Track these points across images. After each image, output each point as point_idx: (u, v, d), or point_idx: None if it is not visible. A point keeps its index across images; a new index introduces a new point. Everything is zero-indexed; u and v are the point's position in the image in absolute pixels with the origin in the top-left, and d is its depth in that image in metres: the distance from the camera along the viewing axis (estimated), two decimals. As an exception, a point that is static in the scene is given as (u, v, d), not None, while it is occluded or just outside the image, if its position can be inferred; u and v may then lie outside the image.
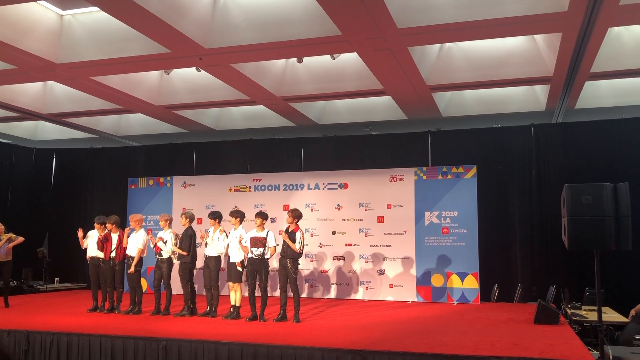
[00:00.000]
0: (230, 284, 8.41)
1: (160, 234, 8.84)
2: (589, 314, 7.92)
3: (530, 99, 10.83)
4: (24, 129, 13.76)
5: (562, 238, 6.36)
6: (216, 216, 8.68)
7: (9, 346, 6.97)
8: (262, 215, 8.22)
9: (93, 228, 9.23)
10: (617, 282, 9.69)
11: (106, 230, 9.07)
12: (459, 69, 9.38)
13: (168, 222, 8.88)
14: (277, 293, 8.52)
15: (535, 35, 8.71)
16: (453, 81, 9.58)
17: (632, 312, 7.91)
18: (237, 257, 8.33)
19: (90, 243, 9.18)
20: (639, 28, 8.37)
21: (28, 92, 11.20)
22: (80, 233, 9.23)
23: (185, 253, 8.56)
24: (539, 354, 5.65)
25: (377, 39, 7.71)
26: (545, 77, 9.17)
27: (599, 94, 10.41)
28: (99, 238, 9.03)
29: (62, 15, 8.56)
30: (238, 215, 8.47)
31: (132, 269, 8.75)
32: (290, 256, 7.99)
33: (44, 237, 13.41)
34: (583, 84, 9.46)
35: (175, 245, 8.67)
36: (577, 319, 7.72)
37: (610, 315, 8.00)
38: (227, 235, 8.54)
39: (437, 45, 9.26)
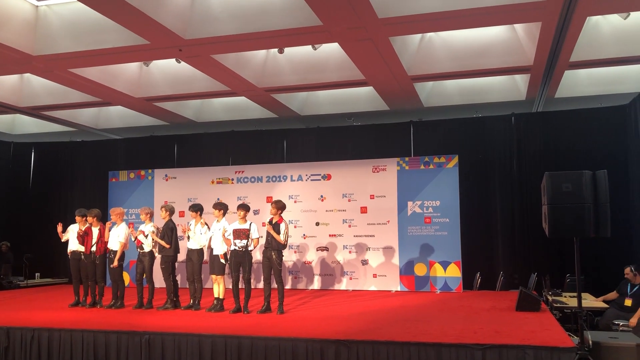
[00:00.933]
0: (213, 276, 8.38)
1: (142, 227, 8.76)
2: (570, 300, 8.04)
3: (511, 88, 10.90)
4: (1, 123, 13.49)
5: (542, 226, 6.43)
6: (197, 209, 8.63)
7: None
8: (245, 207, 8.19)
9: (74, 222, 9.12)
10: (597, 268, 9.85)
11: (87, 224, 8.97)
12: (440, 59, 9.39)
13: (149, 215, 8.80)
14: (261, 285, 8.50)
15: (515, 25, 8.74)
16: (434, 71, 9.59)
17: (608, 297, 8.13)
18: (220, 249, 8.30)
19: (71, 237, 9.07)
20: (617, 17, 8.44)
21: (4, 85, 10.97)
22: (59, 227, 9.11)
23: (167, 245, 8.50)
24: (520, 340, 5.72)
25: (358, 29, 7.67)
26: (525, 67, 9.22)
27: (579, 83, 10.50)
28: (79, 232, 8.92)
29: (37, 6, 8.38)
30: (221, 207, 8.45)
31: (116, 263, 8.67)
32: (274, 248, 7.98)
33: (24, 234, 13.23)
34: (563, 73, 9.53)
35: (157, 236, 8.60)
36: (558, 305, 7.84)
37: (590, 302, 8.14)
38: (209, 228, 8.50)
39: (418, 35, 9.26)
